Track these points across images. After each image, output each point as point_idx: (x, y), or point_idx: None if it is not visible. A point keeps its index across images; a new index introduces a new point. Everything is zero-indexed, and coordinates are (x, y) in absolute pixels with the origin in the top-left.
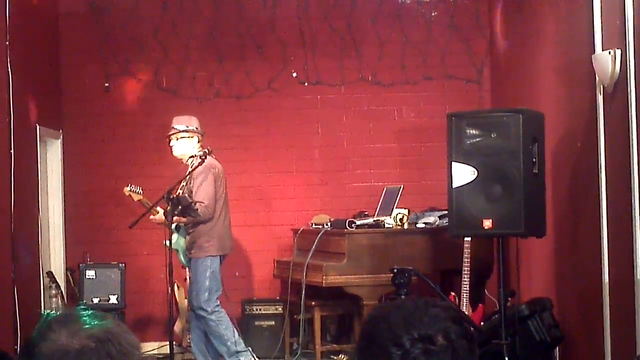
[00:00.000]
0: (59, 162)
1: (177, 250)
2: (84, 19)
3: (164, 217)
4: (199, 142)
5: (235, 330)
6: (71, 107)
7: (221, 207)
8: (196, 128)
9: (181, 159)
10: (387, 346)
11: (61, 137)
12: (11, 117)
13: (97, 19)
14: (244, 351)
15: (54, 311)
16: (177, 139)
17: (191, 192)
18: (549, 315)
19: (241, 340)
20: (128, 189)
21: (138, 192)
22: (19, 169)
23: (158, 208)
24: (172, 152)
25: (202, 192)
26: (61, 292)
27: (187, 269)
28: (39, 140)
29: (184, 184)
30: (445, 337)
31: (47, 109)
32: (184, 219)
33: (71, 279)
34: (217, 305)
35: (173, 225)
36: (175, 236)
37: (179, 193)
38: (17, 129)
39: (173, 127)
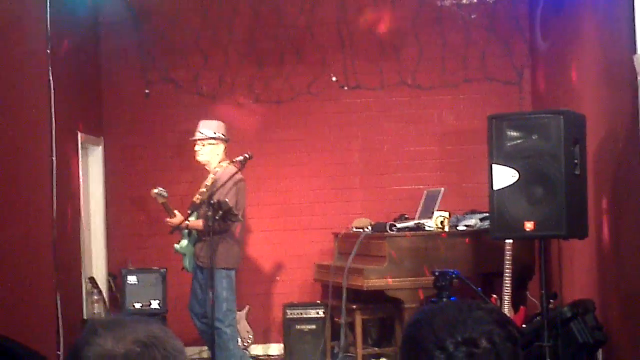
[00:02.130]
0: (100, 168)
1: (184, 255)
2: (125, 26)
3: (178, 222)
4: (224, 149)
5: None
6: (112, 113)
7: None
8: (223, 135)
9: (204, 165)
10: (431, 349)
11: (102, 143)
12: (53, 124)
13: (137, 26)
14: None
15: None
16: (203, 145)
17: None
18: (592, 317)
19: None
20: (156, 191)
21: (163, 196)
22: (61, 176)
23: (176, 211)
24: (195, 156)
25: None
26: (103, 297)
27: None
28: (81, 147)
29: (203, 189)
30: (489, 340)
31: (89, 116)
32: (200, 225)
33: (113, 285)
34: (234, 319)
35: (186, 230)
36: (185, 241)
37: (197, 198)
38: (59, 136)
39: (199, 132)
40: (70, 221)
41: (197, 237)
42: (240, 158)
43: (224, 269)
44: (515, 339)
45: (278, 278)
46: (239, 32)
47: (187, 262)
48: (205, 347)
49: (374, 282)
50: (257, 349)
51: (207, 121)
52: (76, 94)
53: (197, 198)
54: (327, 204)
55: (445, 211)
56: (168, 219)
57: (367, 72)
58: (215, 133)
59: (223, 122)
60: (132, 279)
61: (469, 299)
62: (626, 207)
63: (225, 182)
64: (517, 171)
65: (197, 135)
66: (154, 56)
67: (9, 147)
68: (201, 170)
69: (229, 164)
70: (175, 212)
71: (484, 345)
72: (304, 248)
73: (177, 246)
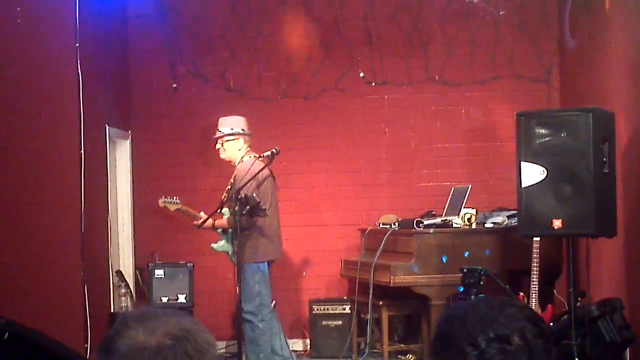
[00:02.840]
0: (128, 162)
1: (226, 253)
2: (152, 20)
3: (210, 222)
4: (245, 143)
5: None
6: (140, 107)
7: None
8: (242, 130)
9: (229, 161)
10: (463, 346)
11: (130, 137)
12: (82, 118)
13: (165, 21)
14: None
15: (128, 309)
16: (222, 143)
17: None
18: (620, 316)
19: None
20: (162, 200)
21: (175, 203)
22: (89, 169)
23: (202, 213)
24: (218, 154)
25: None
26: (130, 291)
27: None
28: (109, 141)
29: (229, 187)
30: (522, 337)
31: (116, 110)
32: (224, 223)
33: (140, 279)
34: (269, 313)
35: (220, 229)
36: (222, 240)
37: (225, 196)
38: (87, 130)
39: (218, 130)
40: (98, 215)
41: (233, 234)
42: (268, 153)
43: (255, 263)
44: (548, 335)
45: (304, 274)
46: (267, 27)
47: (232, 259)
48: (233, 342)
49: (400, 279)
50: None
51: (224, 118)
52: (104, 88)
53: (224, 196)
54: (354, 200)
55: (472, 208)
56: (195, 223)
57: (394, 68)
58: (232, 129)
59: (247, 116)
60: (159, 273)
61: (498, 296)
62: None
63: (251, 177)
64: (546, 169)
65: (217, 134)
66: (182, 50)
67: (38, 140)
68: (227, 165)
69: (256, 159)
70: (201, 213)
71: (516, 342)
72: (331, 244)
73: (214, 245)
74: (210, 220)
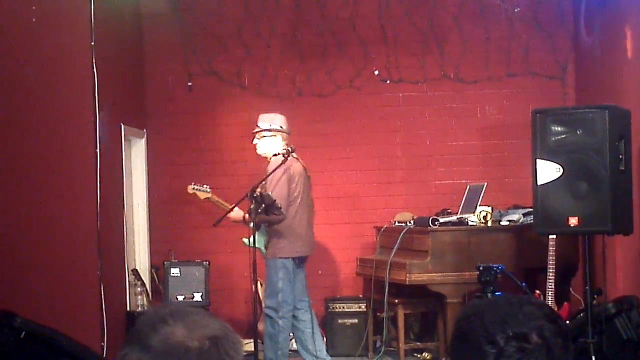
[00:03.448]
0: (143, 160)
1: (259, 249)
2: (167, 19)
3: (240, 216)
4: (283, 140)
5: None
6: (155, 106)
7: (296, 209)
8: (281, 127)
9: (265, 157)
10: (481, 344)
11: (145, 135)
12: (97, 116)
13: (179, 19)
14: None
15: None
16: (259, 138)
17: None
18: (637, 313)
19: (287, 356)
20: (192, 186)
21: (205, 191)
22: (105, 168)
23: (236, 209)
24: (255, 150)
25: (274, 193)
26: (146, 289)
27: None
28: (124, 139)
29: (263, 182)
30: (540, 335)
31: (132, 108)
32: (239, 217)
33: (156, 277)
34: (290, 311)
35: (252, 224)
36: (255, 235)
37: (258, 192)
38: (103, 129)
39: (257, 126)
40: (114, 213)
41: (265, 230)
42: (283, 151)
43: (279, 258)
44: (566, 333)
45: (320, 272)
46: (281, 25)
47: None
48: (249, 340)
49: (416, 277)
50: None
51: (264, 114)
52: (119, 86)
53: (258, 191)
54: (369, 198)
55: (488, 206)
56: (230, 215)
57: (409, 65)
58: (270, 125)
59: (283, 115)
60: (175, 271)
61: (516, 294)
62: None
63: (268, 175)
64: (561, 166)
65: (255, 129)
66: (197, 49)
67: (54, 139)
68: (241, 163)
69: (288, 155)
70: (235, 208)
71: (535, 340)
72: (346, 242)
73: (245, 240)
74: (239, 214)
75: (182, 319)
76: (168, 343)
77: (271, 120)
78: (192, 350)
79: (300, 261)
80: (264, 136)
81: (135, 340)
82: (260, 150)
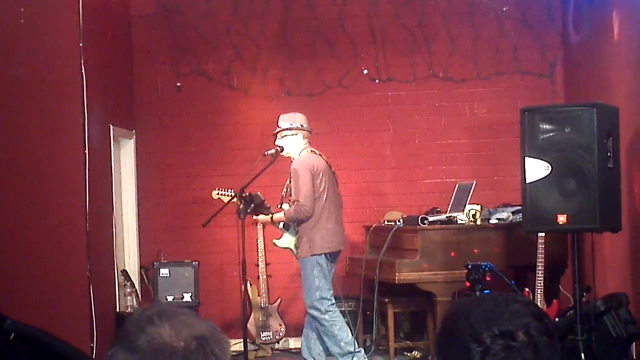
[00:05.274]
0: (132, 161)
1: (290, 249)
2: (156, 20)
3: (268, 218)
4: (304, 138)
5: (350, 331)
6: (144, 107)
7: (322, 205)
8: (301, 125)
9: (288, 157)
10: (467, 342)
11: (134, 136)
12: (85, 117)
13: (168, 20)
14: (357, 352)
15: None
16: (281, 138)
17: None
18: (625, 311)
19: (355, 341)
20: (216, 192)
21: (229, 195)
22: (93, 169)
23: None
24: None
25: (297, 190)
26: (136, 290)
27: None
28: (113, 140)
29: (288, 182)
30: (526, 333)
31: (120, 109)
32: (283, 217)
33: (145, 277)
34: (331, 305)
35: (281, 224)
36: (285, 235)
37: (284, 192)
38: (91, 129)
39: (277, 126)
40: (103, 214)
41: (295, 230)
42: (272, 152)
43: (312, 256)
44: (552, 331)
45: None
46: (270, 25)
47: (296, 254)
48: (239, 340)
49: (406, 275)
50: (289, 342)
51: (284, 114)
52: (108, 87)
53: (284, 191)
54: (358, 197)
55: (477, 204)
56: (255, 218)
57: (398, 65)
58: (291, 124)
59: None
60: (164, 272)
61: (503, 292)
62: None
63: (256, 176)
64: (550, 164)
65: (277, 129)
66: (186, 49)
67: (42, 140)
68: (231, 164)
69: (312, 153)
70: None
71: (521, 338)
72: None
73: (276, 241)
74: (266, 216)
75: (169, 319)
76: (154, 343)
77: (291, 119)
78: (178, 350)
79: (333, 256)
80: (285, 135)
81: (122, 341)
82: (284, 151)
